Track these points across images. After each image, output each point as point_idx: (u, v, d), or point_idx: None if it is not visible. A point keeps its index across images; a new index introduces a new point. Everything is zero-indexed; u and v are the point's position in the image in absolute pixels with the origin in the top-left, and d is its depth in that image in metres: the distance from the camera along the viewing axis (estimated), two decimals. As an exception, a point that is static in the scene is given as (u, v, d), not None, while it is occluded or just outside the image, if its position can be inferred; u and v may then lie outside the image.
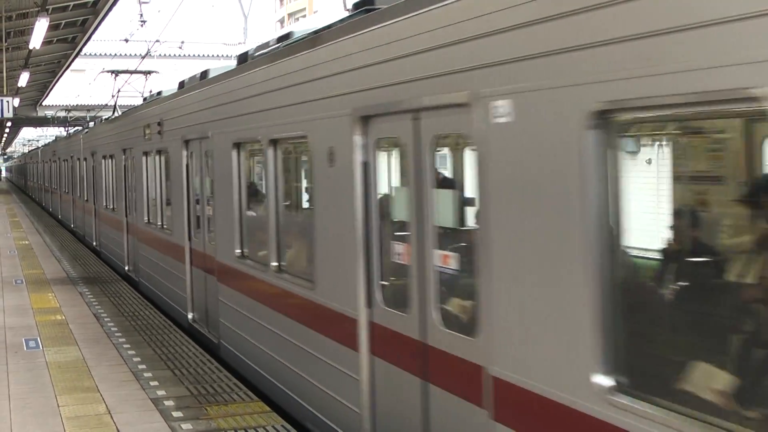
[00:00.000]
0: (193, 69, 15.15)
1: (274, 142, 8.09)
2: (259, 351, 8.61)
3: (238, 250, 9.26)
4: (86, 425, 7.34)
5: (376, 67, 5.86)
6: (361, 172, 6.14)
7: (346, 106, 6.27)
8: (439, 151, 5.44)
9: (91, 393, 8.31)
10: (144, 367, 9.28)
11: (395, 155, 6.10)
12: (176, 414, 7.59)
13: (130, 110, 17.57)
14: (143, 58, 24.75)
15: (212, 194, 10.44)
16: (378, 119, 5.95)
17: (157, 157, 13.71)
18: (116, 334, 11.01)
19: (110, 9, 23.85)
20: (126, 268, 17.29)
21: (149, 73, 24.36)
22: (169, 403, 7.93)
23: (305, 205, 8.02)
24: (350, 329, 6.32)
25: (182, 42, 47.80)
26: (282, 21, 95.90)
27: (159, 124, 13.22)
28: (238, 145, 9.26)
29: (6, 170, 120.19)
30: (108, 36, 57.53)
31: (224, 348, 9.97)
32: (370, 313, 6.13)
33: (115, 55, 50.47)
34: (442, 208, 5.33)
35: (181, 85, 12.93)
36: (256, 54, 9.03)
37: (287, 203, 8.44)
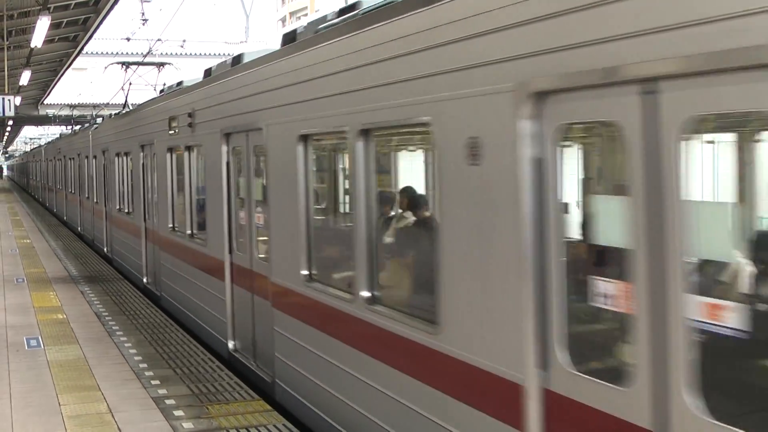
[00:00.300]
0: (194, 68, 15.05)
1: (365, 133, 6.29)
2: (344, 407, 6.75)
3: (305, 271, 7.52)
4: (87, 424, 7.35)
5: (565, 18, 4.03)
6: (532, 174, 4.35)
7: (503, 79, 4.50)
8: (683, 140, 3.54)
9: (92, 392, 8.31)
10: (145, 365, 9.28)
11: (597, 148, 4.55)
12: (177, 413, 7.59)
13: (150, 102, 15.61)
14: (145, 56, 24.73)
15: (264, 199, 8.52)
16: (566, 95, 4.13)
17: (187, 154, 11.87)
18: (117, 333, 11.01)
19: (112, 7, 23.88)
20: (144, 280, 15.42)
21: (162, 64, 22.70)
22: (171, 402, 7.93)
23: (418, 216, 6.44)
24: (507, 397, 4.60)
25: (184, 41, 47.87)
26: (284, 20, 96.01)
27: (190, 115, 11.39)
28: (305, 138, 7.45)
29: (8, 169, 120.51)
30: (110, 34, 57.76)
31: (281, 390, 8.16)
32: (545, 378, 4.35)
33: (117, 53, 50.60)
34: (702, 232, 3.56)
35: (207, 73, 11.42)
36: (320, 27, 7.39)
37: (386, 214, 6.70)
